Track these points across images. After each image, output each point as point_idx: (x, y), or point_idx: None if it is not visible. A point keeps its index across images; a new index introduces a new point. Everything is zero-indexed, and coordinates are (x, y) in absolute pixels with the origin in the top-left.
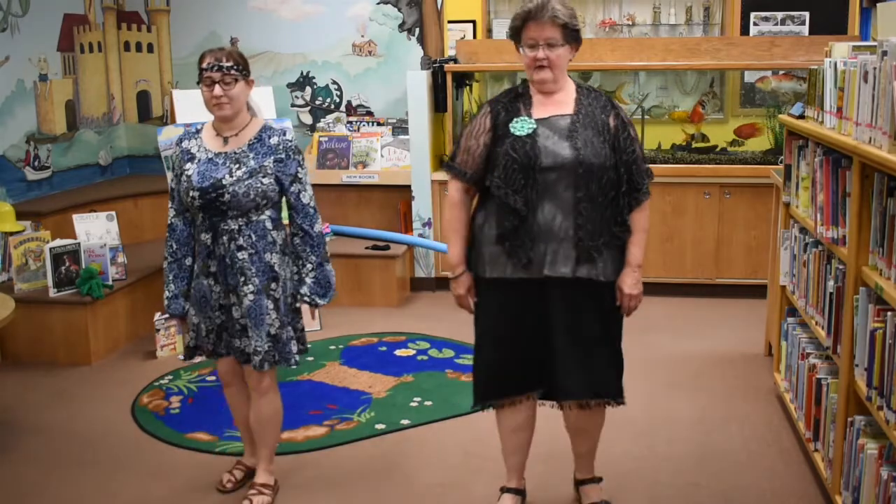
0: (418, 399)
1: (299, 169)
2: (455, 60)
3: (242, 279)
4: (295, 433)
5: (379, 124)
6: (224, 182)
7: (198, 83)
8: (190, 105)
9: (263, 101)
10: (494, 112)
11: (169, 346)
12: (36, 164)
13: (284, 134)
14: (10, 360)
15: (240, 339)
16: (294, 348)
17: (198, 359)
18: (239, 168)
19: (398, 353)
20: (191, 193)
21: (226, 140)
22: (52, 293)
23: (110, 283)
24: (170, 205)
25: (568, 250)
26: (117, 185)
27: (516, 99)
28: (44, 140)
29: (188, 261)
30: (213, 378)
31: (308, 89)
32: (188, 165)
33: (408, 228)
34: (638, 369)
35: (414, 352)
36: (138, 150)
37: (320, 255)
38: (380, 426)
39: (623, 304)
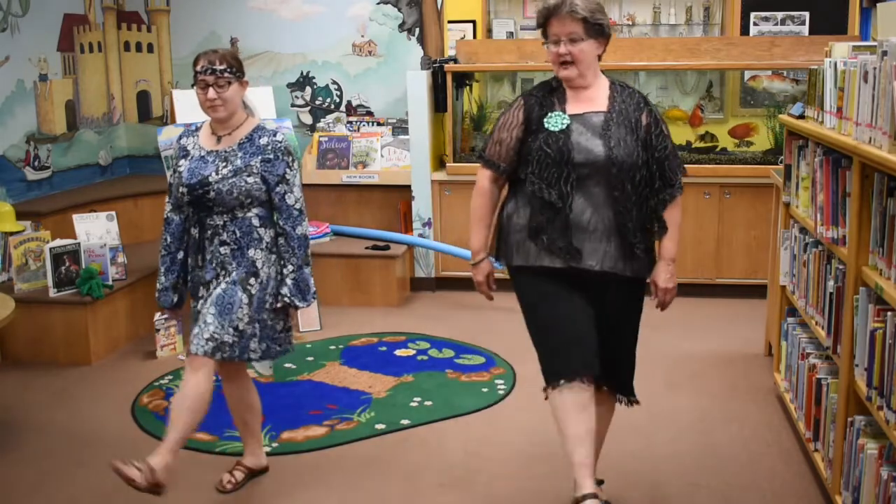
0: (418, 399)
1: (287, 170)
2: (455, 60)
3: (223, 273)
4: (295, 433)
5: (379, 124)
6: (210, 179)
7: (192, 85)
8: (190, 105)
9: (263, 102)
10: (528, 106)
11: (169, 346)
12: (36, 164)
13: (275, 135)
14: (10, 360)
15: (203, 325)
16: (254, 345)
17: None
18: (225, 166)
19: (398, 353)
20: (181, 189)
21: (219, 139)
22: (52, 293)
23: (110, 283)
24: (167, 199)
25: (595, 245)
26: (117, 185)
27: (551, 93)
28: (44, 140)
29: (181, 254)
30: (213, 378)
31: (308, 89)
32: (182, 162)
33: (408, 228)
34: (638, 369)
35: (414, 352)
36: (138, 150)
37: (300, 258)
38: (380, 426)
39: (658, 299)
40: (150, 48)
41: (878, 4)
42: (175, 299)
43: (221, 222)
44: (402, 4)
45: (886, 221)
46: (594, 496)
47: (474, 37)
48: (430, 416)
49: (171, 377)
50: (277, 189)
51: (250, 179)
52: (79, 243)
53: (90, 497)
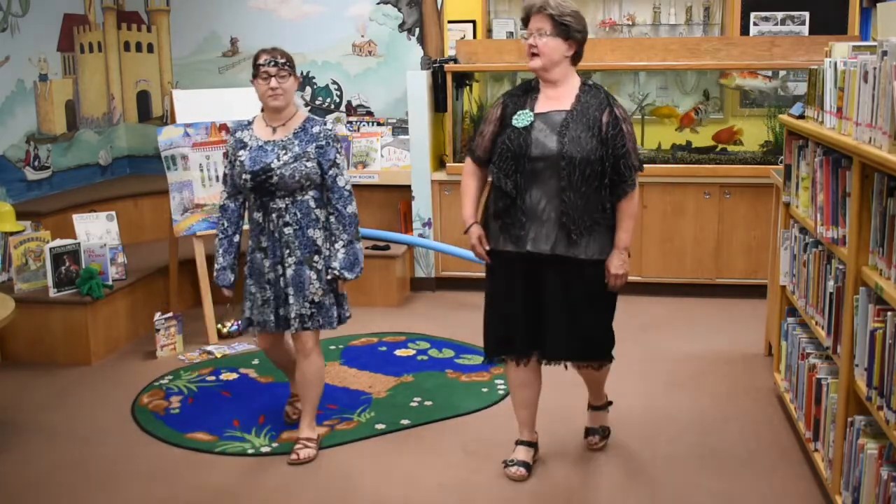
0: (418, 399)
1: (337, 155)
2: (455, 60)
3: (287, 251)
4: (295, 433)
5: (379, 124)
6: (272, 166)
7: (254, 77)
8: (190, 105)
9: None
10: (504, 104)
11: (169, 346)
12: (36, 164)
13: (325, 124)
14: (10, 360)
15: (284, 307)
16: (335, 313)
17: (249, 339)
18: (285, 153)
19: (398, 353)
20: (243, 176)
21: (274, 130)
22: (52, 293)
23: (110, 283)
24: (223, 188)
25: (549, 230)
26: (117, 185)
27: (526, 93)
28: (44, 140)
29: (237, 237)
30: (213, 378)
31: (308, 89)
32: (241, 152)
33: (408, 228)
34: (638, 369)
35: (414, 352)
36: (138, 150)
37: (351, 234)
38: (380, 426)
39: (609, 283)
40: (150, 48)
41: (878, 4)
42: (232, 279)
43: (284, 205)
44: (402, 4)
45: (886, 221)
46: (529, 444)
47: (474, 37)
48: (430, 416)
49: (171, 377)
50: (329, 172)
51: (309, 164)
52: (79, 243)
53: (90, 497)
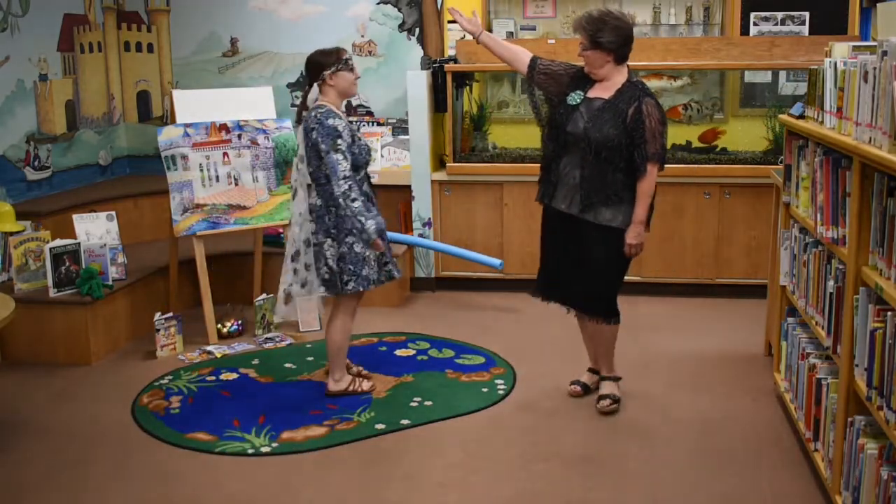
0: (418, 399)
1: None
2: (455, 60)
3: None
4: (295, 433)
5: (379, 124)
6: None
7: (339, 70)
8: (190, 105)
9: (263, 101)
10: (575, 76)
11: (169, 346)
12: (36, 164)
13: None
14: (10, 360)
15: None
16: None
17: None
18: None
19: (398, 353)
20: (371, 154)
21: (346, 114)
22: (52, 293)
23: (110, 283)
24: (345, 164)
25: (568, 193)
26: (117, 185)
27: (587, 78)
28: (44, 140)
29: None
30: (213, 378)
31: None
32: (346, 138)
33: (408, 228)
34: (638, 369)
35: (414, 352)
36: (138, 150)
37: None
38: (380, 426)
39: (626, 251)
40: (150, 48)
41: (878, 4)
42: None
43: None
44: (402, 4)
45: (886, 221)
46: (591, 370)
47: None
48: (430, 416)
49: (171, 377)
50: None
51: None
52: (79, 243)
53: (91, 497)
